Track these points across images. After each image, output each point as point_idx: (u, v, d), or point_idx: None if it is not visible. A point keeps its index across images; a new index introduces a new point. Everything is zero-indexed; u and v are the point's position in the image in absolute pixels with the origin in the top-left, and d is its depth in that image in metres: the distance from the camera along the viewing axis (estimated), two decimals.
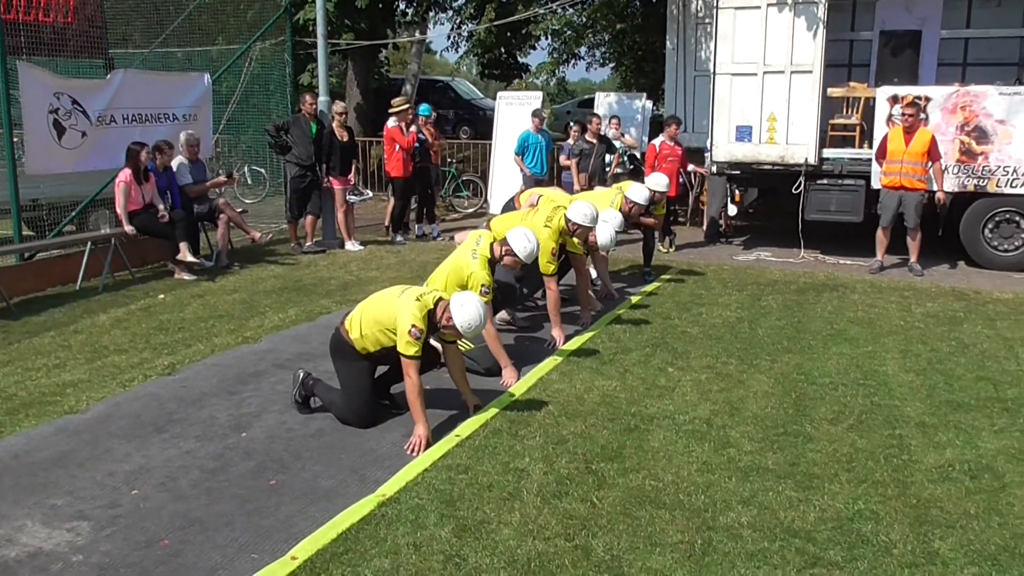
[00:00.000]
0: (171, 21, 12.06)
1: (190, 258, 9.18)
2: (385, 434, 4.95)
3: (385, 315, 4.88)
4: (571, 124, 12.36)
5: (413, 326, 4.68)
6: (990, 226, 9.88)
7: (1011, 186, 9.62)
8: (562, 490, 4.19)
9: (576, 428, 4.96)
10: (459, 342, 5.18)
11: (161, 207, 9.14)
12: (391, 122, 11.44)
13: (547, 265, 6.63)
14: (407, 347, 4.69)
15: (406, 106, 11.55)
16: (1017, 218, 9.74)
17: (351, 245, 10.95)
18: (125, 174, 8.90)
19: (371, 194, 12.74)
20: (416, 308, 4.75)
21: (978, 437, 4.89)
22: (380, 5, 16.06)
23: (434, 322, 4.83)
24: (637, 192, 7.96)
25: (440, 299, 4.88)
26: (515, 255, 5.88)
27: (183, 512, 4.00)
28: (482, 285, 5.71)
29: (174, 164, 9.66)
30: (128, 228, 8.87)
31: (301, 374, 5.29)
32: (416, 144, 11.52)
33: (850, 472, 4.43)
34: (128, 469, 4.47)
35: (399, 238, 11.51)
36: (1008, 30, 12.20)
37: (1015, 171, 9.56)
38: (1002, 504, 4.09)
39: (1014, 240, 9.81)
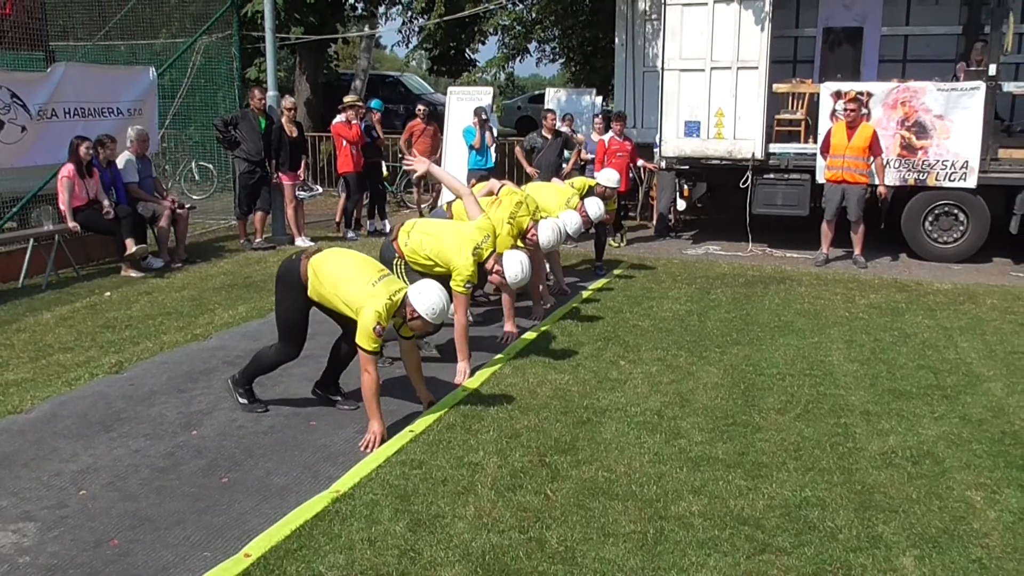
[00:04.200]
0: (114, 14, 11.82)
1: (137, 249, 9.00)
2: (338, 430, 4.93)
3: (351, 293, 4.74)
4: (598, 116, 12.38)
5: (378, 323, 4.59)
6: (930, 219, 10.14)
7: (950, 180, 9.89)
8: (516, 483, 4.22)
9: (529, 422, 4.99)
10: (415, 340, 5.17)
11: (106, 203, 8.97)
12: (337, 118, 11.43)
13: None
14: (367, 342, 4.61)
15: (357, 101, 11.58)
16: (956, 211, 10.01)
17: (301, 241, 10.86)
18: (68, 169, 8.72)
19: (321, 190, 12.64)
20: (384, 307, 4.61)
21: (919, 424, 5.03)
22: None
23: (400, 316, 4.76)
24: (593, 207, 7.99)
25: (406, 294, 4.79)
26: (504, 278, 5.89)
27: (133, 511, 3.95)
28: (465, 282, 5.68)
29: (121, 160, 9.49)
30: (72, 224, 8.70)
31: (229, 381, 5.27)
32: (368, 140, 11.49)
33: (797, 460, 4.53)
34: (75, 469, 4.40)
35: (350, 234, 11.45)
36: (945, 27, 12.53)
37: (953, 165, 9.83)
38: (942, 488, 4.22)
39: (953, 232, 10.08)
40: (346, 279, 4.80)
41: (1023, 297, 8.25)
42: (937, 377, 5.87)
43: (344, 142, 11.27)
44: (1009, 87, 10.41)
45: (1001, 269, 9.86)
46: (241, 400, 5.21)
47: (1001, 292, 8.48)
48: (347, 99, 11.85)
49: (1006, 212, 9.90)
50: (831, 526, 3.84)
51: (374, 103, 12.35)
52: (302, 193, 11.12)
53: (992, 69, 9.88)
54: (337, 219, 11.86)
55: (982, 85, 9.78)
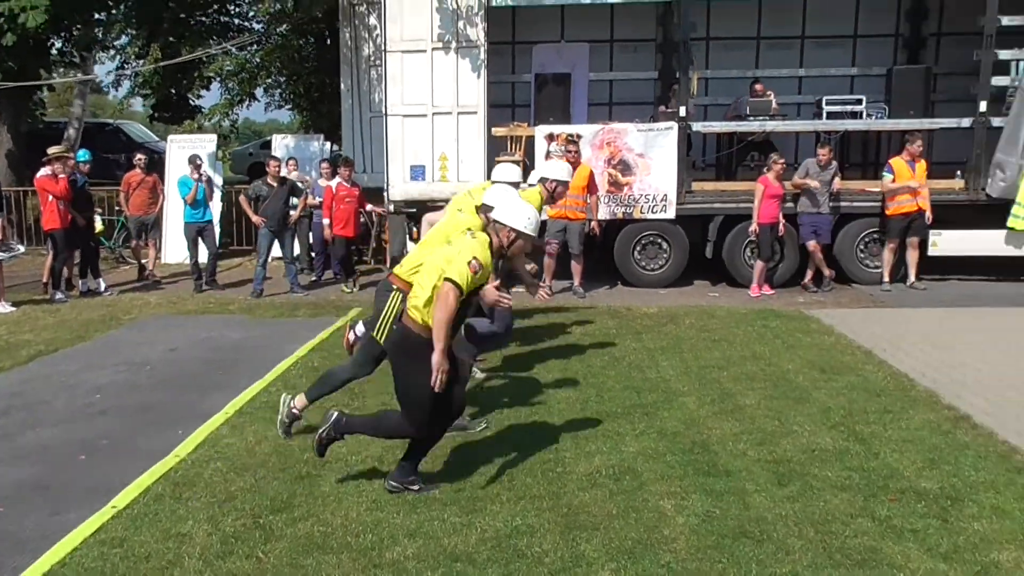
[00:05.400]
0: None
1: None
2: (27, 515, 4.51)
3: (433, 262, 4.65)
4: (325, 162, 12.54)
5: (474, 258, 4.44)
6: (638, 248, 11.04)
7: (653, 212, 10.83)
8: (227, 550, 4.06)
9: (245, 483, 4.83)
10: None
11: None
12: (42, 171, 10.59)
13: None
14: (458, 274, 4.39)
15: (65, 152, 10.84)
16: (660, 240, 10.98)
17: (2, 307, 9.89)
18: None
19: (23, 249, 11.60)
20: (477, 244, 4.51)
21: (622, 442, 5.40)
22: (31, 42, 14.73)
23: (498, 250, 4.64)
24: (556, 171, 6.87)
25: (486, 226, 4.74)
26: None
27: None
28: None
29: None
30: None
31: (334, 414, 4.81)
32: (75, 192, 10.72)
33: (511, 491, 4.70)
34: None
35: (59, 295, 10.57)
36: (644, 72, 13.72)
37: (655, 199, 10.78)
38: (639, 501, 4.55)
39: (658, 260, 11.05)
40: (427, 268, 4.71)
41: (717, 315, 9.14)
42: (640, 396, 6.34)
43: (50, 197, 10.45)
44: (697, 127, 11.55)
45: (700, 291, 10.88)
46: (412, 488, 4.72)
47: (698, 312, 9.34)
48: (52, 150, 10.98)
49: (702, 239, 10.96)
50: (538, 551, 4.02)
51: (80, 154, 11.54)
52: (2, 254, 10.15)
53: (682, 111, 10.94)
54: (44, 280, 10.92)
55: (675, 125, 10.80)
